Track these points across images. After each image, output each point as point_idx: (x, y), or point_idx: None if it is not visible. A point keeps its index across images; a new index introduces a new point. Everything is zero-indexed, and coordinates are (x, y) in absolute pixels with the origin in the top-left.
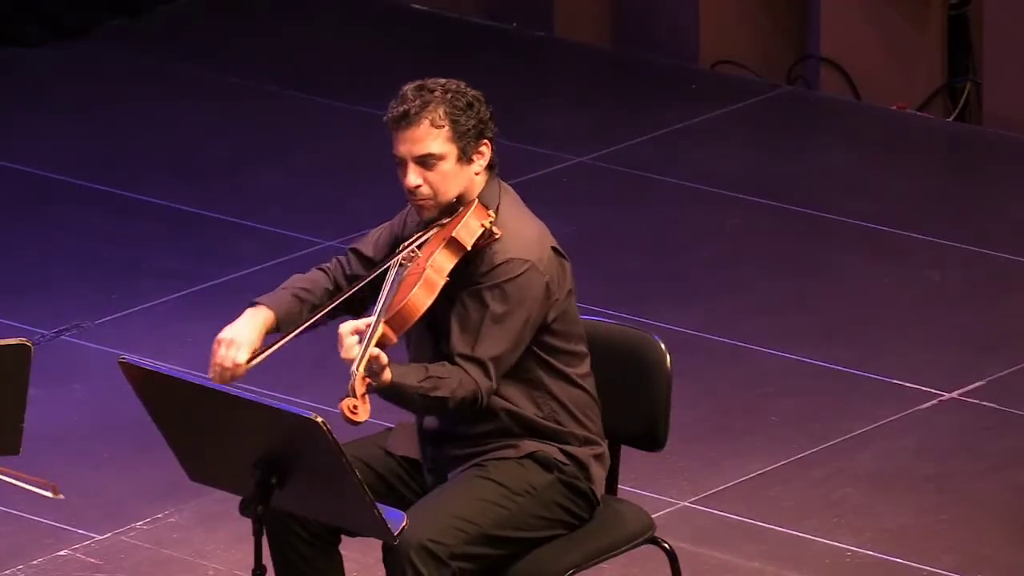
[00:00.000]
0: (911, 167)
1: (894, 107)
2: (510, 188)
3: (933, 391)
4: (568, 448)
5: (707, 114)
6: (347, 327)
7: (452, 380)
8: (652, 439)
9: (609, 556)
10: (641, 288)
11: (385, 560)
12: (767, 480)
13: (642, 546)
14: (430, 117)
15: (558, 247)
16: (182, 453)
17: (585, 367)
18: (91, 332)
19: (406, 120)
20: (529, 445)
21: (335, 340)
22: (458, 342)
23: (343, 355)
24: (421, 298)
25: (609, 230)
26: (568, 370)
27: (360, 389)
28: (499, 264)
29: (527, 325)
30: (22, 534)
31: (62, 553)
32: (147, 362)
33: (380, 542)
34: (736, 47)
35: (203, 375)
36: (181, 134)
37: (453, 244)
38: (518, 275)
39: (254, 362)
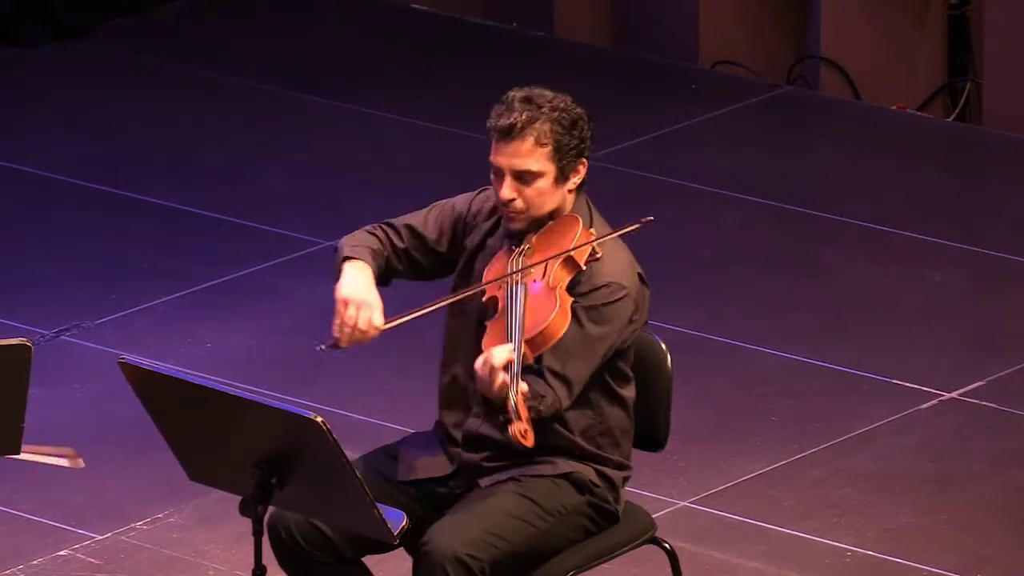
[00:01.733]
0: (911, 167)
1: (894, 107)
2: (592, 204)
3: (933, 391)
4: (602, 469)
5: (707, 114)
6: (499, 357)
7: (548, 399)
8: (652, 439)
9: (610, 556)
10: None
11: (417, 569)
12: (767, 480)
13: (643, 546)
14: (535, 134)
15: (643, 273)
16: (182, 453)
17: (632, 389)
18: (91, 332)
19: (511, 133)
20: (565, 464)
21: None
22: (550, 358)
23: (493, 377)
24: (561, 318)
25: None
26: (621, 392)
27: (525, 412)
28: (600, 286)
29: (610, 348)
30: (22, 534)
31: (62, 553)
32: (147, 362)
33: (386, 554)
34: (736, 47)
35: (203, 375)
36: (181, 134)
37: (570, 263)
38: (615, 300)
39: (388, 326)
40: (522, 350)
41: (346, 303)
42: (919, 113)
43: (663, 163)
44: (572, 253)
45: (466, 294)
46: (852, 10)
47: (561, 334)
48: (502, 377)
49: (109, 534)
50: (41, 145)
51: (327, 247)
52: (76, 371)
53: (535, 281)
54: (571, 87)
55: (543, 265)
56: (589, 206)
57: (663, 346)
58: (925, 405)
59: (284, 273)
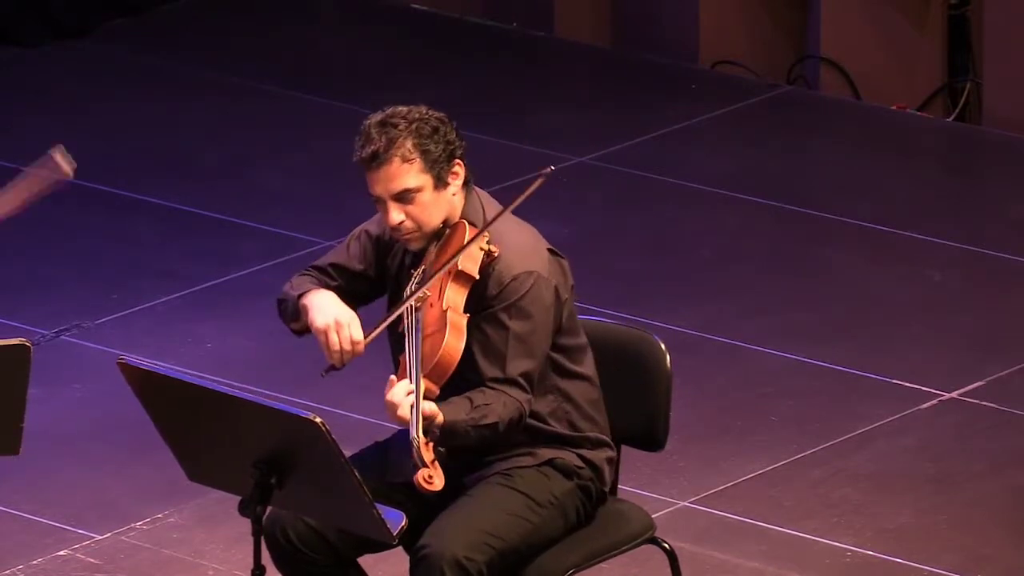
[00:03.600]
0: (911, 167)
1: (894, 107)
2: (488, 195)
3: (933, 391)
4: (583, 452)
5: (707, 114)
6: (399, 393)
7: (497, 404)
8: (652, 439)
9: (609, 556)
10: (641, 288)
11: (415, 571)
12: (767, 480)
13: (642, 546)
14: (399, 153)
15: (552, 247)
16: (181, 453)
17: (588, 359)
18: (91, 332)
19: (376, 160)
20: (546, 452)
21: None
22: (487, 368)
23: (398, 415)
24: (453, 344)
25: (609, 230)
26: (575, 367)
27: (428, 456)
28: (507, 283)
29: (546, 335)
30: (22, 534)
31: (62, 553)
32: (147, 362)
33: (384, 554)
34: (736, 47)
35: (203, 375)
36: (181, 134)
37: (461, 277)
38: (528, 289)
39: (370, 338)
40: (422, 386)
41: (325, 331)
42: (919, 113)
43: (663, 163)
44: (462, 268)
45: (388, 320)
46: (852, 10)
47: (458, 357)
48: (403, 408)
49: (109, 534)
50: (41, 145)
51: (327, 247)
52: (76, 371)
53: (431, 306)
54: (571, 87)
55: (437, 286)
56: (480, 200)
57: (663, 346)
58: (925, 405)
59: (284, 273)
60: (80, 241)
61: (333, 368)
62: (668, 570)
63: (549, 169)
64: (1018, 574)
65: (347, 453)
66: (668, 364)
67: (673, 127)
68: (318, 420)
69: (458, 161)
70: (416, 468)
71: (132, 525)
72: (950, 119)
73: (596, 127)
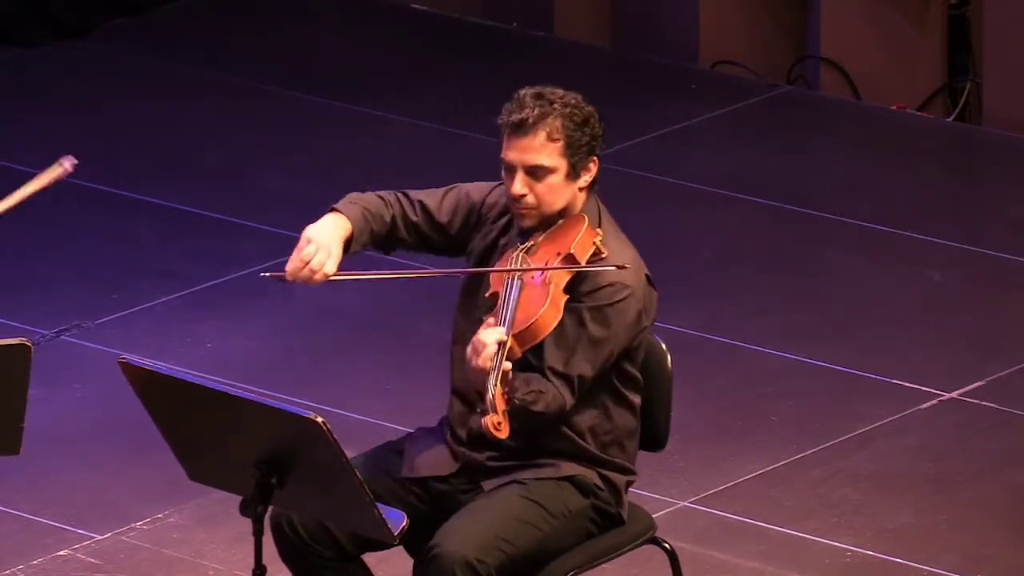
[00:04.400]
0: (911, 167)
1: (894, 107)
2: (602, 204)
3: (933, 391)
4: (606, 473)
5: (707, 114)
6: (490, 336)
7: (548, 395)
8: (652, 439)
9: (610, 557)
10: None
11: (424, 570)
12: (767, 480)
13: (643, 546)
14: (547, 129)
15: (650, 275)
16: (182, 453)
17: (639, 395)
18: (91, 332)
19: (522, 128)
20: (568, 467)
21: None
22: (551, 356)
23: (479, 363)
24: (550, 314)
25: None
26: (627, 394)
27: (501, 405)
28: (603, 286)
29: (615, 350)
30: (22, 534)
31: (62, 553)
32: (147, 362)
33: (386, 553)
34: (736, 47)
35: (203, 375)
36: (181, 134)
37: (569, 260)
38: (618, 300)
39: (336, 278)
40: (508, 343)
41: (308, 240)
42: (919, 113)
43: (663, 163)
44: (572, 251)
45: (432, 273)
46: (852, 10)
47: (550, 330)
48: (487, 354)
49: (109, 534)
50: (41, 145)
51: None
52: (76, 371)
53: (532, 277)
54: (571, 87)
55: (544, 261)
56: (599, 206)
57: (663, 346)
58: (925, 405)
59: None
60: (80, 241)
61: (281, 279)
62: (668, 570)
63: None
64: (1018, 574)
65: (348, 453)
66: (668, 364)
67: (673, 127)
68: (319, 420)
69: (595, 159)
70: (485, 413)
71: (132, 525)
72: (950, 119)
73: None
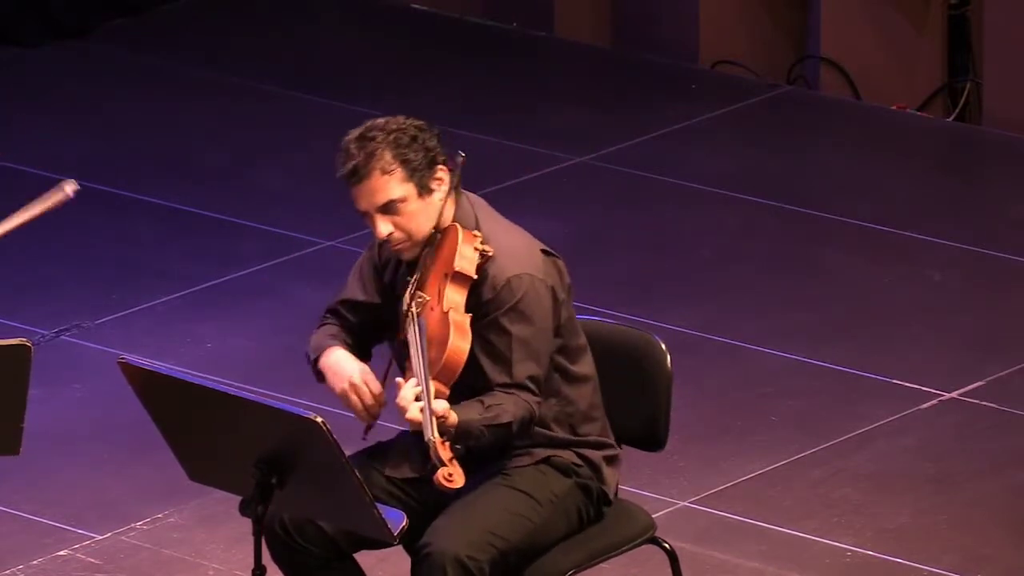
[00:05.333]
0: (911, 167)
1: (894, 107)
2: (479, 199)
3: (933, 391)
4: (582, 451)
5: (707, 114)
6: (407, 396)
7: (509, 404)
8: (652, 439)
9: (610, 556)
10: (641, 288)
11: (416, 570)
12: (767, 480)
13: (642, 546)
14: (379, 166)
15: (546, 248)
16: (182, 453)
17: (588, 359)
18: (91, 332)
19: (356, 175)
20: (542, 451)
21: None
22: (494, 374)
23: (410, 418)
24: (459, 343)
25: (609, 230)
26: (576, 369)
27: (446, 454)
28: (502, 287)
29: (548, 336)
30: (22, 534)
31: (62, 553)
32: (147, 362)
33: (386, 553)
34: (736, 47)
35: (203, 375)
36: (181, 134)
37: (459, 278)
38: (525, 292)
39: (385, 381)
40: (432, 388)
41: (345, 395)
42: (919, 113)
43: (663, 163)
44: (458, 268)
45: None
46: (852, 10)
47: (465, 356)
48: (412, 411)
49: (109, 534)
50: (41, 145)
51: (327, 247)
52: (76, 371)
53: (432, 309)
54: (571, 87)
55: (435, 288)
56: (471, 204)
57: (663, 346)
58: (925, 405)
59: (284, 273)
60: (80, 241)
61: (370, 428)
62: (668, 570)
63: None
64: (1018, 574)
65: (348, 453)
66: (668, 364)
67: (673, 127)
68: (319, 420)
69: (441, 167)
70: (435, 468)
71: (132, 525)
72: (950, 119)
73: (596, 127)
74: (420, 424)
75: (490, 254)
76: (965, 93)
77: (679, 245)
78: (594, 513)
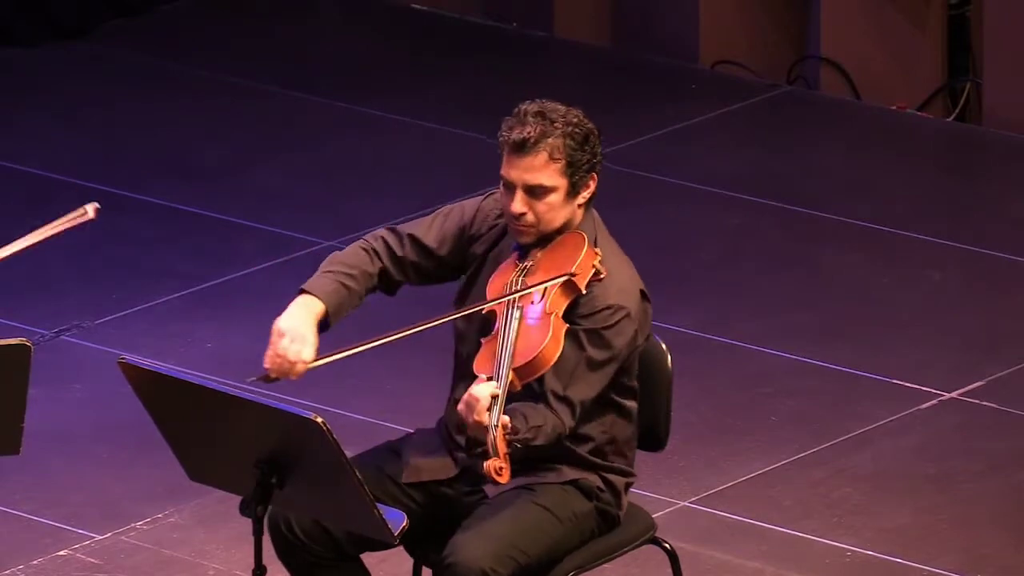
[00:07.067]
0: (911, 167)
1: (894, 107)
2: (599, 217)
3: (933, 391)
4: (607, 476)
5: (707, 114)
6: (484, 391)
7: (547, 426)
8: (653, 439)
9: (610, 557)
10: None
11: None
12: (767, 480)
13: (643, 546)
14: (548, 149)
15: (645, 289)
16: (182, 453)
17: (635, 402)
18: (91, 332)
19: (524, 147)
20: (571, 472)
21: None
22: (551, 380)
23: (475, 419)
24: (552, 347)
25: (609, 230)
26: (625, 404)
27: (503, 448)
28: (600, 309)
29: (612, 371)
30: (22, 534)
31: (62, 553)
32: (147, 362)
33: (386, 554)
34: (736, 47)
35: (203, 375)
36: (181, 134)
37: (570, 286)
38: (616, 323)
39: (317, 364)
40: (509, 379)
41: (280, 334)
42: (919, 113)
43: (663, 163)
44: (574, 277)
45: (432, 324)
46: (852, 10)
47: (552, 362)
48: (481, 408)
49: (109, 534)
50: (41, 145)
51: (327, 247)
52: (76, 371)
53: (532, 303)
54: (571, 87)
55: (541, 287)
56: (595, 222)
57: (663, 346)
58: (925, 405)
59: (284, 273)
60: (80, 241)
61: (266, 378)
62: (668, 570)
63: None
64: (1018, 574)
65: (348, 453)
66: (668, 364)
67: (673, 127)
68: (319, 420)
69: (594, 176)
70: (486, 456)
71: (132, 525)
72: (950, 119)
73: (595, 127)
74: (483, 425)
75: (602, 276)
76: (965, 93)
77: (679, 245)
78: (605, 532)
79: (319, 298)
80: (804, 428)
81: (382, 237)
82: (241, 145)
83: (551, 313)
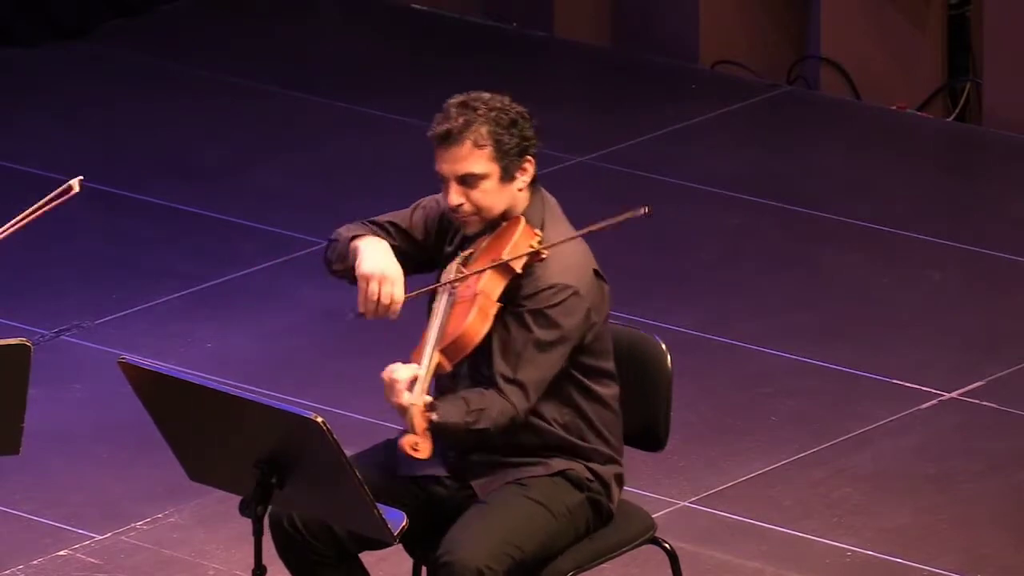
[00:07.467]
0: (911, 167)
1: (894, 107)
2: (552, 199)
3: (933, 391)
4: (593, 466)
5: (707, 114)
6: (403, 373)
7: (492, 410)
8: (652, 439)
9: (610, 557)
10: (641, 288)
11: None
12: (767, 480)
13: (643, 546)
14: (472, 137)
15: (599, 269)
16: (182, 453)
17: (613, 386)
18: (91, 332)
19: (448, 139)
20: (558, 463)
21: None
22: (499, 364)
23: (392, 400)
24: (476, 325)
25: (609, 230)
26: (598, 389)
27: (421, 424)
28: (544, 289)
29: (565, 351)
30: (22, 534)
31: (62, 553)
32: (147, 362)
33: (386, 553)
34: (736, 47)
35: (203, 375)
36: (181, 134)
37: (503, 268)
38: (561, 302)
39: (408, 297)
40: (435, 359)
41: (367, 278)
42: (919, 113)
43: (663, 163)
44: (505, 258)
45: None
46: (852, 10)
47: (478, 340)
48: (402, 397)
49: (109, 534)
50: (41, 145)
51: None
52: (76, 371)
53: (467, 287)
54: (571, 87)
55: (478, 269)
56: (544, 204)
57: (663, 346)
58: (925, 405)
59: (284, 273)
60: (80, 241)
61: (362, 316)
62: (668, 570)
63: (644, 210)
64: (1018, 574)
65: (348, 453)
66: (668, 364)
67: (673, 127)
68: (319, 420)
69: (529, 158)
70: (403, 433)
71: (132, 525)
72: (950, 119)
73: (596, 127)
74: (402, 406)
75: (543, 256)
76: (965, 93)
77: (679, 245)
78: (599, 527)
79: (377, 236)
80: (804, 428)
81: (366, 224)
82: (241, 145)
83: (479, 293)
